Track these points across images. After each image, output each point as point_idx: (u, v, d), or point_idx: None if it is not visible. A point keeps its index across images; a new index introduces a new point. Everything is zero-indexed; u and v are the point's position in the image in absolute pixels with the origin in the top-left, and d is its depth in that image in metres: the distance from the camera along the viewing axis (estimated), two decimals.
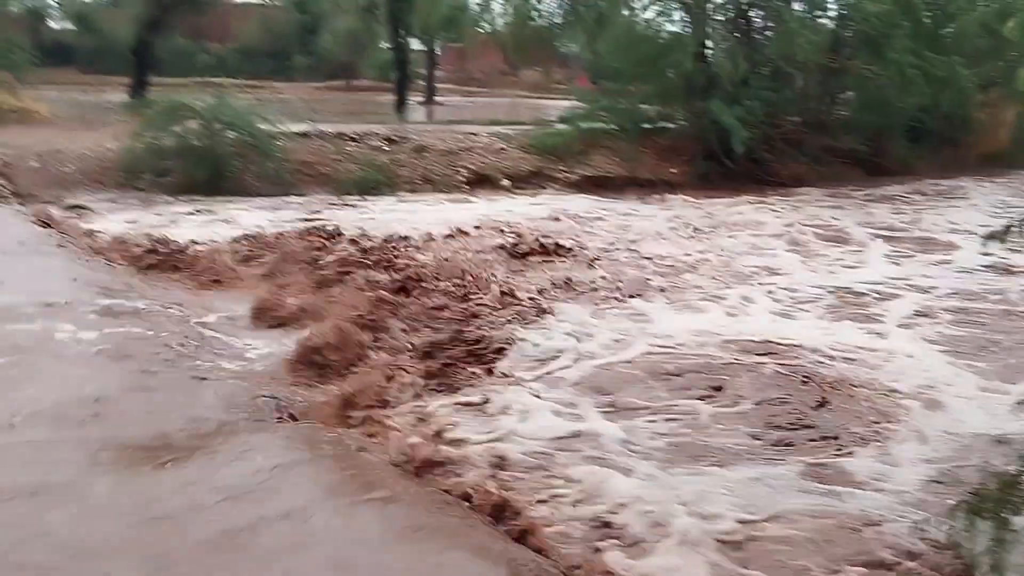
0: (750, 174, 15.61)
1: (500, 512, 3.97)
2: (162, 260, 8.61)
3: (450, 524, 3.83)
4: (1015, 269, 9.46)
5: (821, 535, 3.98)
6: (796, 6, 17.43)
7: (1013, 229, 4.15)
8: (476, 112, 23.74)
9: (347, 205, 12.30)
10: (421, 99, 26.65)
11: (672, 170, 15.60)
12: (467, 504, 4.03)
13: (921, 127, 18.01)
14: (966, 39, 17.11)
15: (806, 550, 3.87)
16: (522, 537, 3.80)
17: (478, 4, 22.05)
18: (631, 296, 8.01)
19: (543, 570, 3.53)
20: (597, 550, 3.81)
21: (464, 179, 13.96)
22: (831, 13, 17.64)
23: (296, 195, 12.73)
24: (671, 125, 16.82)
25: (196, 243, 9.18)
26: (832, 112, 18.20)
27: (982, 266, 9.67)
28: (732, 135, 14.93)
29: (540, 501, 4.22)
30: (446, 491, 4.16)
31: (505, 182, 14.18)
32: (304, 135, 14.33)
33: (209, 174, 12.49)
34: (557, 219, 11.66)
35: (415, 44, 28.76)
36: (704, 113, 15.73)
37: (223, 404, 5.04)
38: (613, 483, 4.41)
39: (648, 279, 8.75)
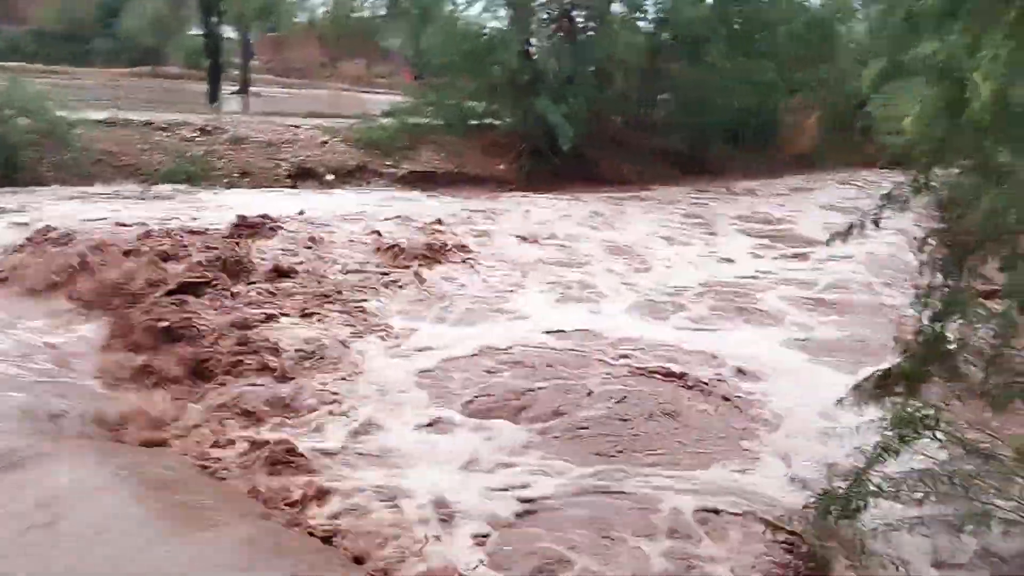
0: (576, 172, 15.75)
1: None
2: None
3: None
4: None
5: None
6: (616, 7, 17.76)
7: (855, 229, 4.18)
8: (295, 104, 22.83)
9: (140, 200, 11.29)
10: (235, 89, 25.38)
11: (500, 166, 15.55)
12: None
13: (736, 129, 18.81)
14: (777, 46, 17.97)
15: None
16: None
17: None
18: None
19: None
20: None
21: (286, 172, 13.33)
22: (651, 16, 18.08)
23: (102, 186, 11.70)
24: (498, 121, 16.73)
25: None
26: (654, 113, 18.71)
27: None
28: (559, 133, 14.99)
29: None
30: None
31: (329, 176, 13.65)
32: (107, 123, 13.23)
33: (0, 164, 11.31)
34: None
35: (229, 31, 27.44)
36: (530, 110, 15.74)
37: None
38: None
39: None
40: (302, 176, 13.41)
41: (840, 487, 3.85)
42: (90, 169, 12.00)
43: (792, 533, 4.05)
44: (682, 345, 6.86)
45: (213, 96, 21.41)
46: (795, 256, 10.71)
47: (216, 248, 7.96)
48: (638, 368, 6.20)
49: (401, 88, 19.08)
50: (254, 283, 7.42)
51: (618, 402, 5.56)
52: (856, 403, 4.93)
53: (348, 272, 8.18)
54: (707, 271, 9.80)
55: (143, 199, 11.12)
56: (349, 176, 13.98)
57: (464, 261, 9.14)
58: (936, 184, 4.08)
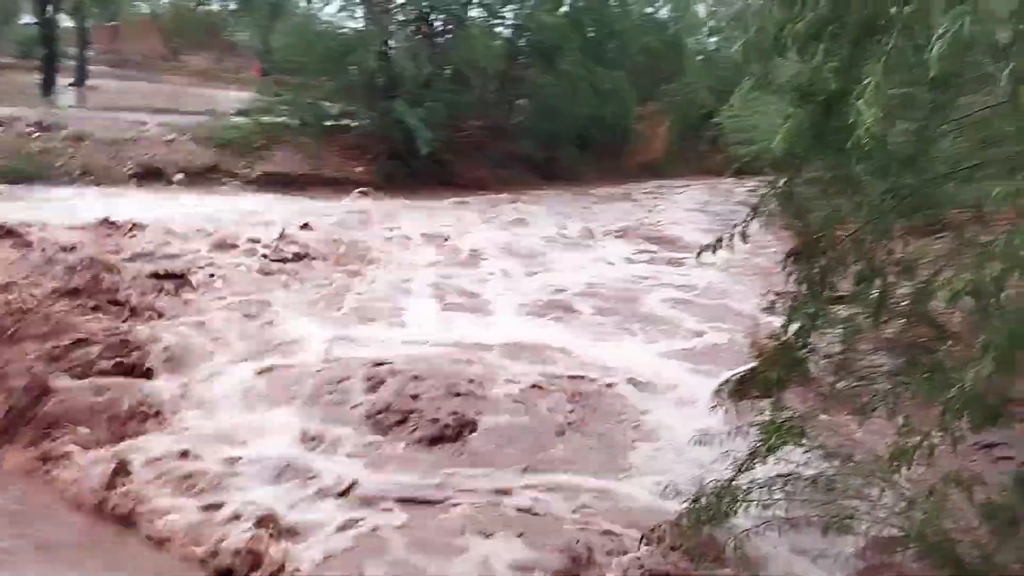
0: (434, 175, 15.72)
1: None
2: None
3: None
4: None
5: None
6: (474, 12, 17.83)
7: (722, 242, 4.29)
8: (137, 99, 21.72)
9: None
10: (71, 81, 23.97)
11: (357, 168, 15.31)
12: None
13: (589, 136, 19.25)
14: (628, 56, 18.52)
15: None
16: None
17: None
18: None
19: None
20: None
21: (131, 172, 12.67)
22: (508, 22, 18.25)
23: None
24: (355, 123, 16.46)
25: None
26: (510, 118, 18.89)
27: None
28: (417, 136, 14.90)
29: None
30: None
31: (178, 176, 13.07)
32: None
33: None
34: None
35: (65, 20, 25.92)
36: (388, 112, 15.59)
37: None
38: None
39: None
40: (149, 176, 12.78)
41: (711, 494, 3.96)
42: None
43: (661, 540, 4.12)
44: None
45: (47, 89, 20.14)
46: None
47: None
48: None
49: (254, 85, 18.44)
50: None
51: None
52: (718, 407, 5.12)
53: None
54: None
55: None
56: (200, 177, 13.43)
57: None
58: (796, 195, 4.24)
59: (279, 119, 15.74)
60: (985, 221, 7.45)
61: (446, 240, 10.98)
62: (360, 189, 14.32)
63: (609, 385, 6.27)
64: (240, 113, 15.97)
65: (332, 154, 15.43)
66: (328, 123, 16.25)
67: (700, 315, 8.48)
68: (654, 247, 11.88)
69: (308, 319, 7.25)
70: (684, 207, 15.86)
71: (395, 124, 15.45)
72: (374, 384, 5.78)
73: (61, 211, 9.58)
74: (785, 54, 3.53)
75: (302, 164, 14.81)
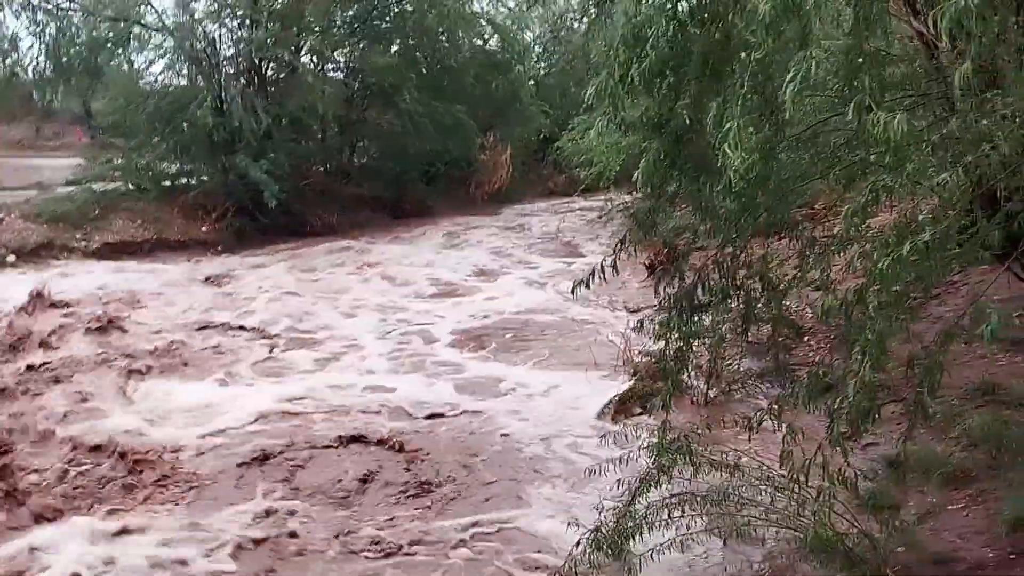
0: (284, 227, 15.41)
1: None
2: None
3: None
4: None
5: None
6: (305, 59, 17.65)
7: (594, 276, 4.40)
8: None
9: None
10: None
11: (203, 228, 14.83)
12: None
13: (434, 170, 19.41)
14: (464, 88, 18.79)
15: None
16: None
17: None
18: None
19: None
20: None
21: None
22: (341, 65, 18.19)
23: None
24: (195, 182, 15.94)
25: None
26: (354, 161, 18.85)
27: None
28: (264, 188, 14.57)
29: None
30: None
31: (11, 257, 12.33)
32: None
33: None
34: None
35: None
36: (231, 168, 15.21)
37: None
38: None
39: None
40: None
41: (609, 522, 4.04)
42: None
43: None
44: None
45: None
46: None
47: None
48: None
49: (80, 152, 17.62)
50: None
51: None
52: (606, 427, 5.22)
53: None
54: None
55: None
56: (33, 255, 12.69)
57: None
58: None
59: (112, 185, 15.09)
60: (817, 219, 7.99)
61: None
62: (207, 248, 14.01)
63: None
64: (70, 183, 15.22)
65: (175, 216, 14.89)
66: (166, 184, 15.69)
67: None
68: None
69: None
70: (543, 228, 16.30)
71: (239, 179, 15.08)
72: None
73: None
74: (633, 93, 3.70)
75: (144, 230, 14.22)
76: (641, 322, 5.67)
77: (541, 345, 8.59)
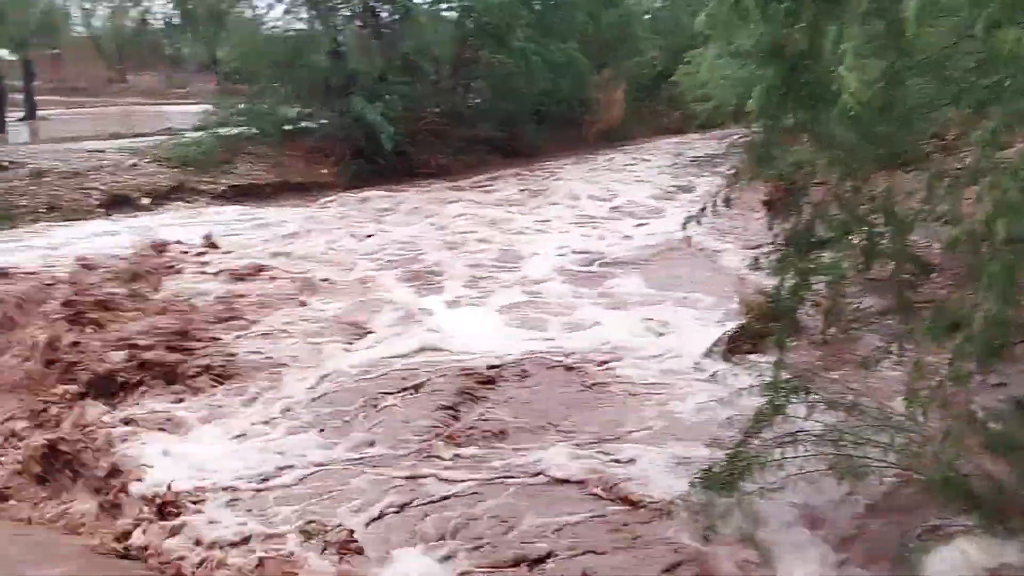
0: (400, 168, 15.68)
1: None
2: None
3: None
4: None
5: None
6: (418, 0, 17.71)
7: (706, 210, 4.31)
8: (90, 125, 21.49)
9: None
10: (21, 116, 23.64)
11: (323, 171, 15.23)
12: None
13: (546, 110, 19.26)
14: (576, 26, 18.50)
15: None
16: None
17: (80, 8, 19.82)
18: None
19: None
20: None
21: (97, 202, 12.50)
22: (455, 5, 18.13)
23: None
24: (314, 125, 16.35)
25: None
26: (467, 102, 18.84)
27: None
28: (379, 131, 14.83)
29: None
30: None
31: (145, 200, 12.93)
32: None
33: None
34: None
35: (5, 54, 25.52)
36: (347, 111, 15.50)
37: None
38: None
39: None
40: (116, 203, 12.62)
41: (721, 460, 4.00)
42: None
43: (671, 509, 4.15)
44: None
45: None
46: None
47: None
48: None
49: (210, 98, 18.27)
50: None
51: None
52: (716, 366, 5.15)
53: None
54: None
55: None
56: (166, 198, 13.29)
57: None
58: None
59: (237, 130, 15.59)
60: (948, 149, 7.56)
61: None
62: (327, 190, 14.38)
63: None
64: (197, 129, 15.81)
65: (296, 159, 15.34)
66: (287, 128, 16.12)
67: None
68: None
69: None
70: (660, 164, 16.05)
71: (355, 122, 15.37)
72: None
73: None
74: (746, 19, 3.56)
75: (267, 173, 14.70)
76: (756, 259, 5.49)
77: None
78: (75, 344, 6.28)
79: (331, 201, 13.71)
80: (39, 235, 10.89)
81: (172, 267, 8.75)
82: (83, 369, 5.96)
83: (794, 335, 4.84)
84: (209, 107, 16.86)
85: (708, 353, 6.43)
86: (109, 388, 5.85)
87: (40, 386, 5.80)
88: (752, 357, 6.03)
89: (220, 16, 20.19)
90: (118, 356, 6.11)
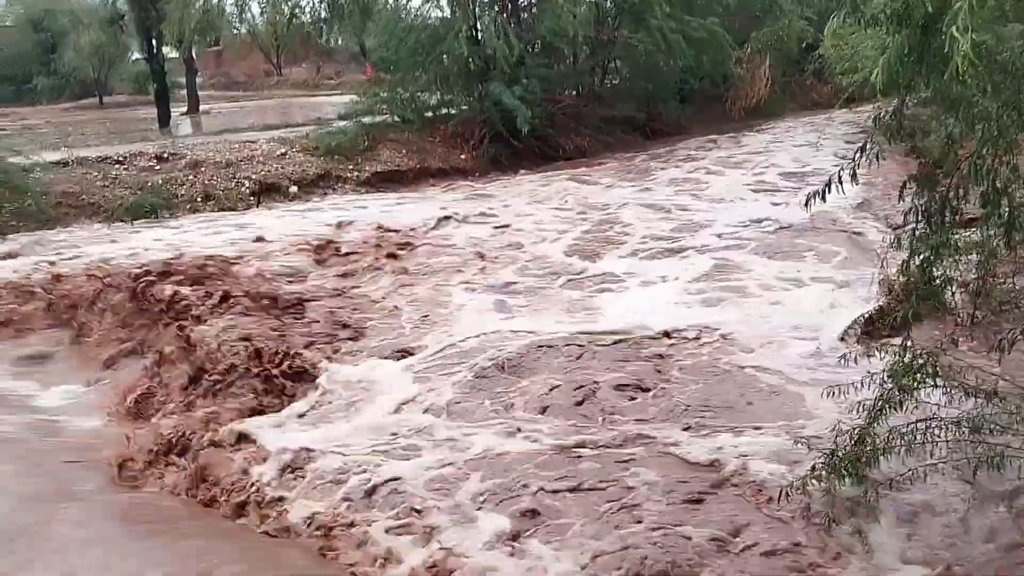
0: (538, 151, 15.76)
1: None
2: None
3: None
4: None
5: None
6: None
7: (831, 186, 4.13)
8: (246, 118, 22.66)
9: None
10: (184, 110, 25.10)
11: (462, 156, 15.46)
12: None
13: (688, 88, 18.88)
14: (717, 1, 18.02)
15: None
16: None
17: (235, 4, 20.76)
18: None
19: None
20: None
21: (249, 190, 13.12)
22: None
23: (62, 229, 11.49)
24: (454, 111, 16.61)
25: None
26: (605, 82, 18.69)
27: None
28: (516, 115, 14.93)
29: None
30: None
31: (293, 188, 13.47)
32: (63, 163, 12.99)
33: None
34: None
35: (170, 52, 27.09)
36: (485, 96, 15.67)
37: None
38: None
39: None
40: (266, 191, 13.19)
41: (845, 446, 3.84)
42: (52, 212, 11.77)
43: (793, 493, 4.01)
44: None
45: (164, 120, 21.14)
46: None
47: None
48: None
49: (354, 88, 18.86)
50: None
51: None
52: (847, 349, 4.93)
53: None
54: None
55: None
56: (312, 186, 13.80)
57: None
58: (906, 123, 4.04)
59: (380, 118, 16.01)
60: None
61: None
62: (466, 175, 14.62)
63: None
64: (343, 118, 16.34)
65: (435, 145, 15.63)
66: (428, 115, 16.43)
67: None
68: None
69: None
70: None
71: (493, 107, 15.52)
72: None
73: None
74: None
75: (408, 159, 15.03)
76: (898, 238, 5.21)
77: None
78: None
79: (483, 184, 14.04)
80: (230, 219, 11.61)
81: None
82: None
83: (937, 316, 4.59)
84: (355, 97, 17.39)
85: (844, 335, 6.18)
86: None
87: None
88: (892, 340, 5.77)
89: (367, 7, 20.74)
90: None
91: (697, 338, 6.27)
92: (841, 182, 4.02)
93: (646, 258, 8.85)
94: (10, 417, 5.91)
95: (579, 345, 6.16)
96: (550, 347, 6.17)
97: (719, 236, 9.48)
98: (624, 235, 9.83)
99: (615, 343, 6.22)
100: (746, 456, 4.39)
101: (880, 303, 6.18)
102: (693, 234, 9.62)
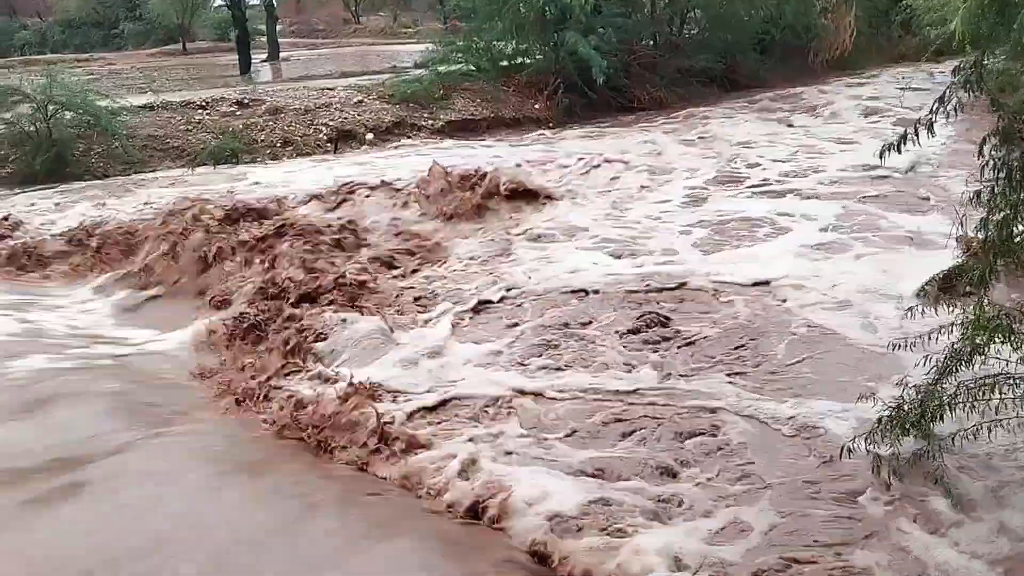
0: (612, 102, 15.65)
1: None
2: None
3: None
4: None
5: None
6: None
7: (906, 139, 4.08)
8: (325, 65, 22.89)
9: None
10: (264, 57, 25.43)
11: (536, 106, 15.43)
12: None
13: (768, 39, 18.45)
14: None
15: None
16: None
17: None
18: None
19: None
20: None
21: (326, 137, 13.36)
22: None
23: (148, 172, 11.90)
24: (529, 61, 16.54)
25: None
26: (683, 33, 18.38)
27: None
28: (592, 65, 14.81)
29: None
30: None
31: (369, 136, 13.66)
32: (148, 107, 13.40)
33: (50, 161, 11.54)
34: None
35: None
36: (560, 46, 15.56)
37: None
38: None
39: None
40: (342, 138, 13.42)
41: (913, 399, 3.84)
42: (138, 155, 12.20)
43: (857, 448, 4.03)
44: None
45: (245, 67, 21.50)
46: None
47: None
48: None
49: (430, 36, 18.91)
50: None
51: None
52: (922, 307, 4.89)
53: None
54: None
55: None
56: (388, 133, 13.97)
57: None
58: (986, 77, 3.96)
59: (455, 67, 16.05)
60: None
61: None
62: (540, 125, 14.60)
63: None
64: (419, 66, 16.43)
65: (508, 95, 15.63)
66: (503, 64, 16.41)
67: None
68: None
69: None
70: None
71: (569, 56, 15.41)
72: None
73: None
74: None
75: (481, 108, 15.09)
76: (978, 192, 5.12)
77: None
78: None
79: (555, 133, 14.09)
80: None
81: None
82: None
83: (1008, 274, 4.52)
84: (431, 45, 17.45)
85: (920, 292, 6.10)
86: None
87: None
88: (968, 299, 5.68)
89: None
90: None
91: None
92: (917, 134, 3.96)
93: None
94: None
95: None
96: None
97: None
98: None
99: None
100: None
101: (958, 260, 6.07)
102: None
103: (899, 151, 4.07)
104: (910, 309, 4.15)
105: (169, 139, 12.64)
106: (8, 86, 12.24)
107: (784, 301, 6.09)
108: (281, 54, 26.45)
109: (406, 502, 3.99)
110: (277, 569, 3.43)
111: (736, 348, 5.34)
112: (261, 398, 5.10)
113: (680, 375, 5.01)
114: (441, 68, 15.93)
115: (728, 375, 4.98)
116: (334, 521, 3.82)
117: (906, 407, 3.84)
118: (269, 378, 5.37)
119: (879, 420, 3.91)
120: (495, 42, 16.57)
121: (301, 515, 3.81)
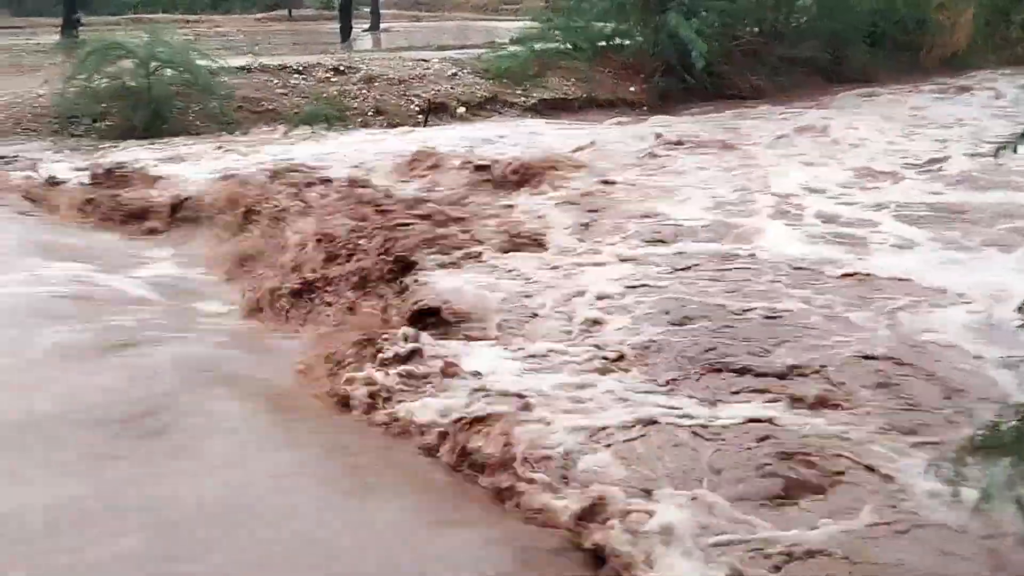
0: (710, 88, 15.30)
1: None
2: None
3: None
4: None
5: None
6: None
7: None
8: (424, 37, 22.96)
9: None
10: (366, 26, 25.64)
11: (631, 88, 15.18)
12: None
13: (879, 31, 17.79)
14: None
15: None
16: None
17: None
18: None
19: None
20: None
21: (417, 108, 13.40)
22: None
23: (241, 133, 12.08)
24: (627, 42, 16.27)
25: None
26: (789, 20, 17.84)
27: None
28: (691, 49, 14.49)
29: None
30: None
31: (460, 109, 13.65)
32: (246, 69, 13.63)
33: (148, 116, 11.84)
34: None
35: None
36: (661, 27, 15.26)
37: None
38: None
39: None
40: (433, 111, 13.44)
41: (1011, 420, 3.61)
42: (233, 116, 12.42)
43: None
44: None
45: (345, 35, 21.69)
46: None
47: None
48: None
49: (530, 13, 18.79)
50: None
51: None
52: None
53: None
54: None
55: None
56: (479, 108, 13.92)
57: None
58: None
59: (551, 45, 15.89)
60: None
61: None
62: (634, 108, 14.37)
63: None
64: (515, 42, 16.32)
65: (605, 76, 15.40)
66: (600, 44, 16.17)
67: None
68: None
69: None
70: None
71: (668, 39, 15.10)
72: None
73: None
74: None
75: (575, 88, 14.90)
76: None
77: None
78: None
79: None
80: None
81: None
82: None
83: None
84: (530, 22, 17.33)
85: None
86: None
87: None
88: None
89: None
90: None
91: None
92: None
93: None
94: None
95: None
96: None
97: None
98: None
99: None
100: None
101: None
102: None
103: (1015, 150, 3.82)
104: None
105: (264, 101, 12.82)
106: (113, 42, 12.56)
107: None
108: (382, 25, 26.64)
109: None
110: None
111: None
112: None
113: None
114: (537, 45, 15.77)
115: None
116: None
117: (1002, 427, 3.62)
118: None
119: (971, 438, 3.69)
120: (594, 21, 16.34)
121: None
